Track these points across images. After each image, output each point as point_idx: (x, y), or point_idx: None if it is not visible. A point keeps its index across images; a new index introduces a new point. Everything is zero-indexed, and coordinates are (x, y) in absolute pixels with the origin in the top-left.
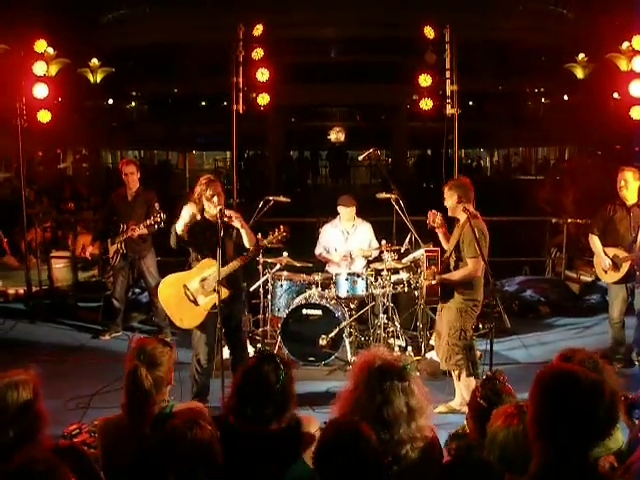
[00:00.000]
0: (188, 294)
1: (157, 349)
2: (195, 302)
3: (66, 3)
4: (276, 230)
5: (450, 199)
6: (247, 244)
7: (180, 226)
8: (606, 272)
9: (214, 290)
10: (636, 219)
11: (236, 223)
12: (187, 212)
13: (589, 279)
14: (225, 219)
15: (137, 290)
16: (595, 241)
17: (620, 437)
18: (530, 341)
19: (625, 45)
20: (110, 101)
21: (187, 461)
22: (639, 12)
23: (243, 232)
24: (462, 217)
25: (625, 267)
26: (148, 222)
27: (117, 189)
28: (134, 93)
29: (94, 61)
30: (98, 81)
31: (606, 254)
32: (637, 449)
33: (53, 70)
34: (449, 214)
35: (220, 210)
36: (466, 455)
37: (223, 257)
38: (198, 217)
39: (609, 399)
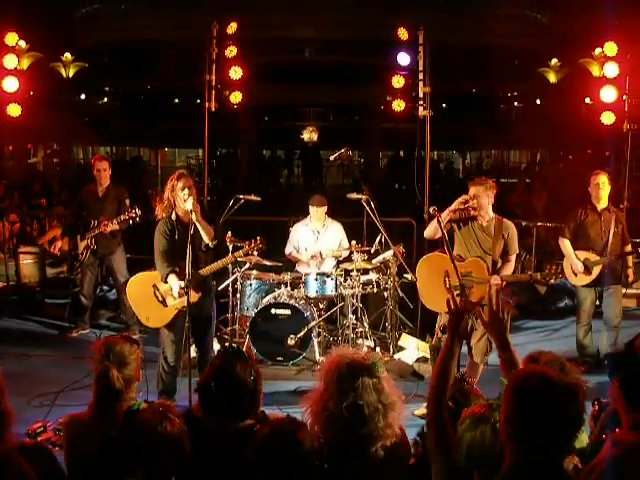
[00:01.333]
0: (157, 294)
1: (125, 348)
2: (163, 303)
3: None
4: (252, 241)
5: (486, 198)
6: (206, 239)
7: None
8: (576, 275)
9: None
10: (607, 223)
11: (193, 216)
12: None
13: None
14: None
15: (105, 287)
16: (566, 245)
17: (584, 438)
18: None
19: (597, 51)
20: (82, 96)
21: (156, 455)
22: (612, 19)
23: (199, 226)
24: (487, 216)
25: (596, 271)
26: (122, 217)
27: (87, 185)
28: (107, 89)
29: (67, 55)
30: (70, 76)
31: (577, 257)
32: (601, 450)
33: (25, 64)
34: (479, 212)
35: (192, 204)
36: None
37: (194, 257)
38: (173, 216)
39: (581, 401)
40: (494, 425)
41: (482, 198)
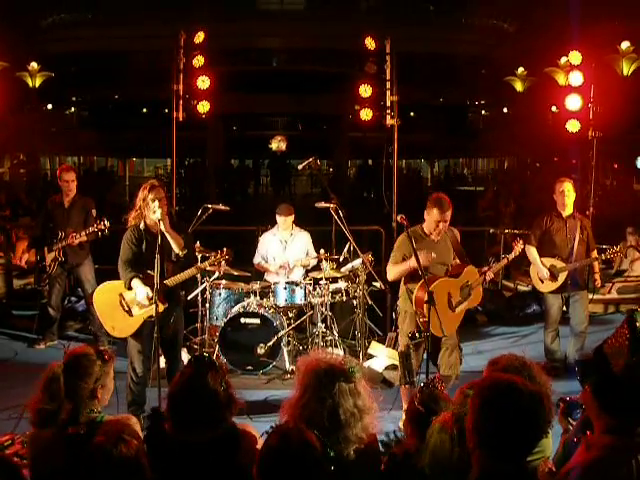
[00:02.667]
0: (123, 304)
1: (86, 358)
2: (129, 312)
3: (5, 5)
4: (219, 252)
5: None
6: (176, 249)
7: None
8: (543, 282)
9: (151, 302)
10: (572, 230)
11: (161, 226)
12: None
13: (526, 289)
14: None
15: (73, 298)
16: (532, 251)
17: (550, 444)
18: (467, 350)
19: (563, 60)
20: (49, 106)
21: (113, 478)
22: (576, 28)
23: (168, 236)
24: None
25: (562, 277)
26: (91, 229)
27: (52, 195)
28: (74, 98)
29: (33, 65)
30: (37, 85)
31: (543, 264)
32: (574, 452)
33: None
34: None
35: (160, 213)
36: (403, 461)
37: (162, 267)
38: (141, 226)
39: (547, 408)
40: (453, 433)
41: (448, 219)
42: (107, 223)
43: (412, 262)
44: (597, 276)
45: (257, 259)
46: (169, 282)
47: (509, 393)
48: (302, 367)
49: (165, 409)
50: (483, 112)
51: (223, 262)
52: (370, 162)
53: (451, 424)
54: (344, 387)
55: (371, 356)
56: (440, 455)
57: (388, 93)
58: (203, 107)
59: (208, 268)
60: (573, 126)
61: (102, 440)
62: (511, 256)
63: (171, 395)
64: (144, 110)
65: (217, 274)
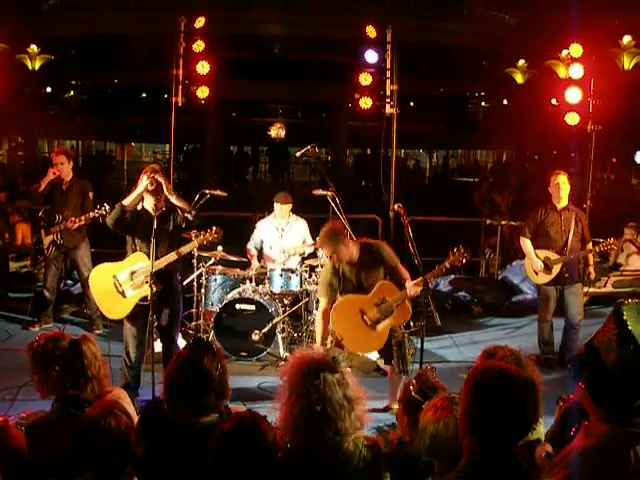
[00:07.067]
0: (117, 285)
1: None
2: (123, 294)
3: None
4: (208, 231)
5: None
6: (186, 208)
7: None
8: (537, 274)
9: (143, 284)
10: (567, 222)
11: (166, 191)
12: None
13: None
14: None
15: (69, 281)
16: (527, 243)
17: (542, 430)
18: (462, 340)
19: (564, 53)
20: (48, 89)
21: (101, 450)
22: (578, 21)
23: (173, 198)
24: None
25: (557, 269)
26: (91, 214)
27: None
28: (73, 82)
29: (33, 47)
30: (36, 68)
31: (537, 256)
32: (569, 434)
33: None
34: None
35: (158, 199)
36: (400, 450)
37: (156, 250)
38: (139, 207)
39: (539, 396)
40: (455, 417)
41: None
42: (107, 208)
43: None
44: (591, 269)
45: (249, 244)
46: (157, 263)
47: (502, 380)
48: (286, 368)
49: (162, 392)
50: (483, 104)
51: (211, 240)
52: (369, 151)
53: (452, 407)
54: (330, 378)
55: None
56: (442, 438)
57: (388, 82)
58: (202, 92)
59: (205, 253)
60: (572, 119)
61: (93, 413)
62: (447, 264)
63: (167, 376)
64: (143, 95)
65: (213, 260)
